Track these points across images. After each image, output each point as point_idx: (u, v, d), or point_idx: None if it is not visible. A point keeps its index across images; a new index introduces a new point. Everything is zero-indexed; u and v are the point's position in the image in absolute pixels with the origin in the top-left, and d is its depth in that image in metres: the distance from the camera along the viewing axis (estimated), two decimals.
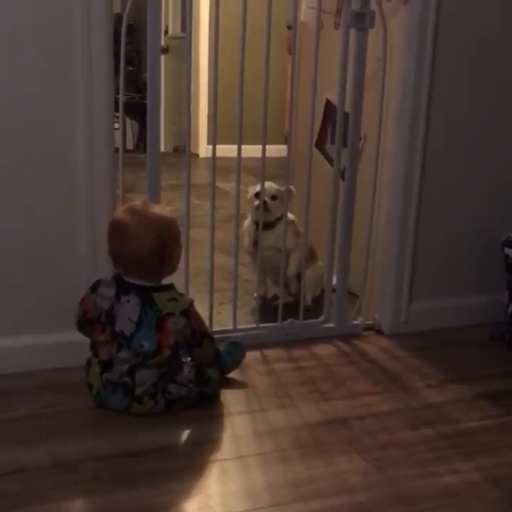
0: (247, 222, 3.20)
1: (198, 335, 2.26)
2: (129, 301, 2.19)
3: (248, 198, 3.17)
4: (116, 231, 2.20)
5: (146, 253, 2.16)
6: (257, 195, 3.11)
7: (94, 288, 2.25)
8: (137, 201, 2.28)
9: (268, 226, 3.08)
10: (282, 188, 3.09)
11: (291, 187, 3.01)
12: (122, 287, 2.21)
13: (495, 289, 2.98)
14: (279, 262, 2.94)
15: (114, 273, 2.26)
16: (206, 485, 1.90)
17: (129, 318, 2.18)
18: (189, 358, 2.31)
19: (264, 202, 3.06)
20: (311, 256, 3.18)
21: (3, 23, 2.23)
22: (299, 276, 3.09)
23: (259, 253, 2.91)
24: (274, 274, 2.98)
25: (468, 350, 2.87)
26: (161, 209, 2.27)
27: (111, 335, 2.19)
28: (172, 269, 2.28)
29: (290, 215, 3.10)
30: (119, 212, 2.24)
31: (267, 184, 3.08)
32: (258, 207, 3.06)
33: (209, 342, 2.32)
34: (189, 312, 2.22)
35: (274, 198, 3.11)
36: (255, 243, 3.07)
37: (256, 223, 3.09)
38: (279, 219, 3.11)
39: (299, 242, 3.08)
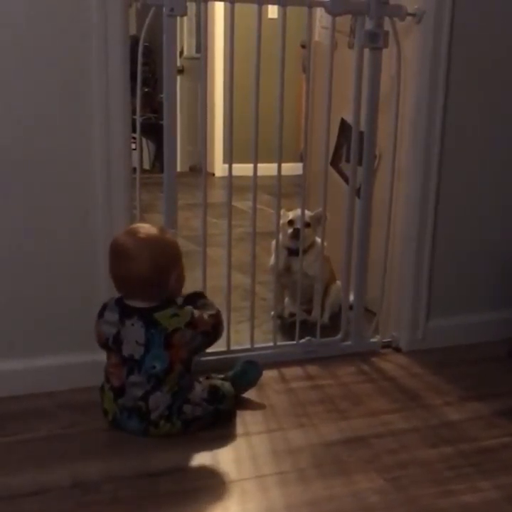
0: (274, 244, 3.13)
1: (211, 331, 2.24)
2: (133, 325, 2.18)
3: (281, 224, 3.04)
4: (114, 252, 2.20)
5: (139, 274, 2.15)
6: (290, 222, 3.10)
7: (101, 313, 2.25)
8: (140, 223, 2.28)
9: (298, 252, 2.99)
10: (314, 214, 3.07)
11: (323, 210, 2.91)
12: (125, 311, 2.21)
13: None
14: (305, 286, 2.93)
15: (116, 297, 2.25)
16: (225, 505, 1.90)
17: (136, 341, 2.17)
18: (201, 378, 2.32)
19: (297, 230, 3.04)
20: (329, 275, 3.17)
21: (20, 46, 2.25)
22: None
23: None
24: (296, 295, 2.97)
25: (486, 366, 2.85)
26: (160, 231, 2.23)
27: (120, 360, 2.20)
28: (175, 292, 2.26)
29: (319, 241, 3.06)
30: (118, 234, 2.25)
31: (300, 212, 2.99)
32: (291, 235, 3.06)
33: (218, 325, 2.29)
34: (193, 321, 2.20)
35: (307, 225, 3.05)
36: (287, 269, 3.09)
37: (287, 249, 3.10)
38: (310, 246, 3.10)
39: (327, 271, 3.10)
